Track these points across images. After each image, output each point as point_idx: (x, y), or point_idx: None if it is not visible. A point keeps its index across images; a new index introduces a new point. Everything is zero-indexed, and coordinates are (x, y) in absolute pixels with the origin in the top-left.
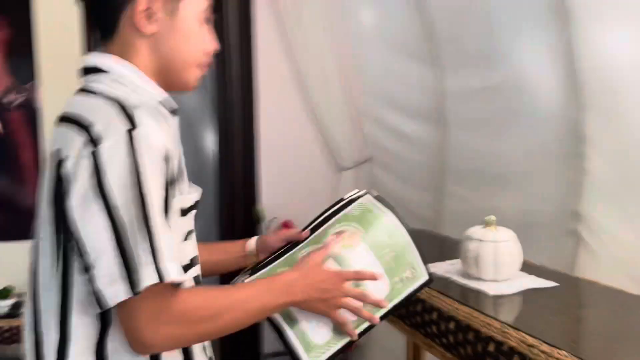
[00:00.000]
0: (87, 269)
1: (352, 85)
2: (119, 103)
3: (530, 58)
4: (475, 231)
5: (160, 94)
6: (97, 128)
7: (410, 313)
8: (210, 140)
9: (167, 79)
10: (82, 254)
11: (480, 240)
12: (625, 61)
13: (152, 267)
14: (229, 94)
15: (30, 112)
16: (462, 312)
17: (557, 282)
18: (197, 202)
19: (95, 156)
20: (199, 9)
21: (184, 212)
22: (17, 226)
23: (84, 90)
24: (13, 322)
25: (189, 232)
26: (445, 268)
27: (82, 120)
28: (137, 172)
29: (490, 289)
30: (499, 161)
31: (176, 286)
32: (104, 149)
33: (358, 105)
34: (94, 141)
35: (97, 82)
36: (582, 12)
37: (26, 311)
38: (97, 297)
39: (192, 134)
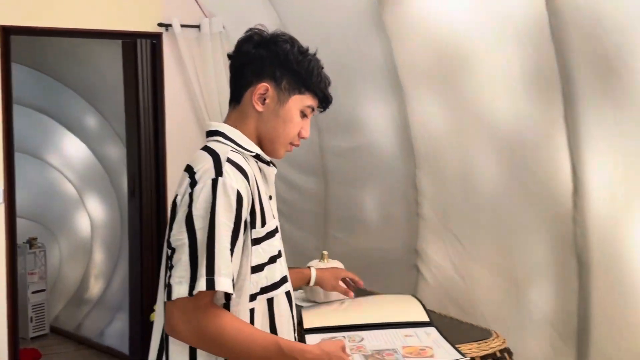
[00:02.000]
0: (170, 268)
1: None
2: (217, 156)
3: (381, 125)
4: (313, 263)
5: (256, 149)
6: (197, 175)
7: None
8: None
9: (263, 145)
10: (171, 257)
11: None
12: (440, 129)
13: (205, 279)
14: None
15: None
16: None
17: None
18: (273, 231)
19: (190, 195)
20: (302, 105)
21: (260, 240)
22: None
23: (204, 147)
24: None
25: (276, 256)
26: (296, 295)
27: (192, 168)
28: (212, 209)
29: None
30: (365, 208)
31: (227, 302)
32: (196, 190)
33: None
34: (193, 183)
35: (213, 142)
36: (409, 91)
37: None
38: (167, 290)
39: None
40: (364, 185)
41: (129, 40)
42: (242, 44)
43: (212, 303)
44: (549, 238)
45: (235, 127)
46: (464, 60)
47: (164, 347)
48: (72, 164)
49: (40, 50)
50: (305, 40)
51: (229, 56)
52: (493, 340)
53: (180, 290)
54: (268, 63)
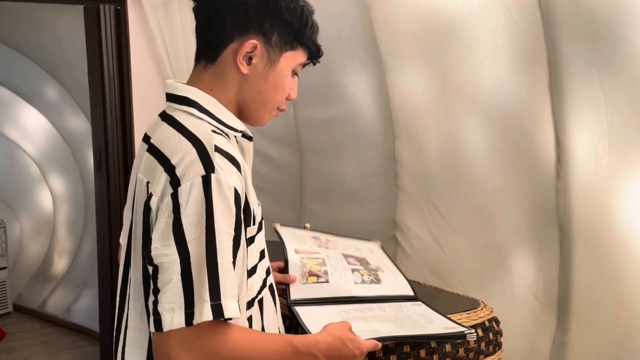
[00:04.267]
0: (154, 292)
1: None
2: (200, 144)
3: (358, 96)
4: None
5: (240, 126)
6: (179, 171)
7: None
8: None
9: (244, 113)
10: (155, 278)
11: None
12: (421, 99)
13: (209, 305)
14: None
15: None
16: None
17: None
18: (261, 222)
19: (173, 197)
20: (295, 63)
21: (253, 239)
22: None
23: (171, 119)
24: None
25: (264, 249)
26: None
27: (167, 157)
28: (209, 214)
29: None
30: (342, 180)
31: (227, 321)
32: (182, 191)
33: None
34: (174, 182)
35: (184, 114)
36: (389, 61)
37: (122, 308)
38: (154, 319)
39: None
40: (341, 157)
41: (91, 5)
42: None
43: (213, 322)
44: (530, 208)
45: (210, 92)
46: (447, 29)
47: None
48: (31, 137)
49: None
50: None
51: None
52: (482, 309)
53: (174, 320)
54: (254, 12)
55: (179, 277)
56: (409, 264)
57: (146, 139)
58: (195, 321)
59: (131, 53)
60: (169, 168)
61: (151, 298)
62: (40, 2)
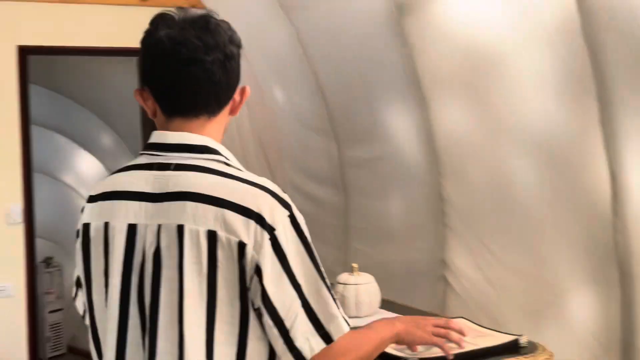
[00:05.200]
0: (282, 334)
1: (271, 156)
2: (267, 189)
3: (403, 134)
4: (342, 276)
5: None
6: (268, 219)
7: None
8: None
9: None
10: (273, 321)
11: (345, 284)
12: (467, 136)
13: (341, 319)
14: None
15: None
16: None
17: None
18: None
19: (273, 242)
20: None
21: None
22: None
23: (208, 169)
24: None
25: None
26: None
27: (248, 208)
28: (306, 245)
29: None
30: (388, 219)
31: None
32: (279, 235)
33: (277, 173)
34: (268, 229)
35: (214, 163)
36: (432, 98)
37: None
38: (294, 354)
39: None
40: (387, 196)
41: None
42: (234, 36)
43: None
44: (586, 246)
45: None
46: (491, 64)
47: None
48: (87, 182)
49: (57, 70)
50: (323, 50)
51: (215, 47)
52: (540, 353)
53: (313, 345)
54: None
55: (302, 308)
56: (460, 305)
57: (170, 191)
58: (337, 335)
59: None
60: (256, 216)
61: (263, 342)
62: (98, 54)
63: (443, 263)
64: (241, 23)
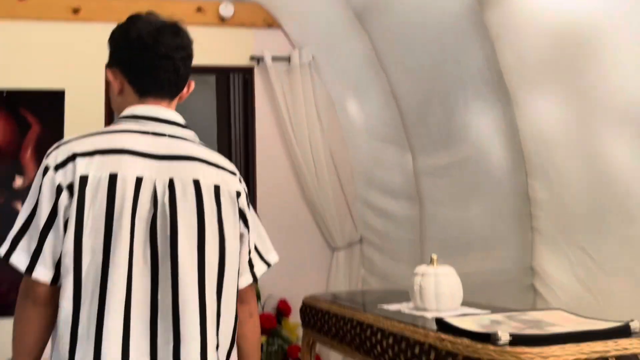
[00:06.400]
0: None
1: (341, 171)
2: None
3: (483, 135)
4: (421, 268)
5: None
6: (238, 174)
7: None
8: None
9: None
10: (252, 241)
11: (423, 275)
12: (557, 129)
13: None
14: None
15: None
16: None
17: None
18: None
19: (246, 193)
20: None
21: None
22: None
23: (198, 142)
24: None
25: None
26: (398, 306)
27: (230, 168)
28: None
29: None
30: (467, 228)
31: None
32: (245, 188)
33: (348, 189)
34: (244, 183)
35: (191, 135)
36: (517, 92)
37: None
38: (252, 265)
39: None
40: (465, 203)
41: (223, 74)
42: (191, 42)
43: None
44: None
45: None
46: (585, 42)
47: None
48: None
49: None
50: (397, 55)
51: (182, 48)
52: None
53: (274, 257)
54: None
55: (263, 230)
56: None
57: (186, 155)
58: (273, 262)
59: (256, 116)
60: (238, 175)
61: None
62: None
63: (531, 271)
64: (315, 36)
